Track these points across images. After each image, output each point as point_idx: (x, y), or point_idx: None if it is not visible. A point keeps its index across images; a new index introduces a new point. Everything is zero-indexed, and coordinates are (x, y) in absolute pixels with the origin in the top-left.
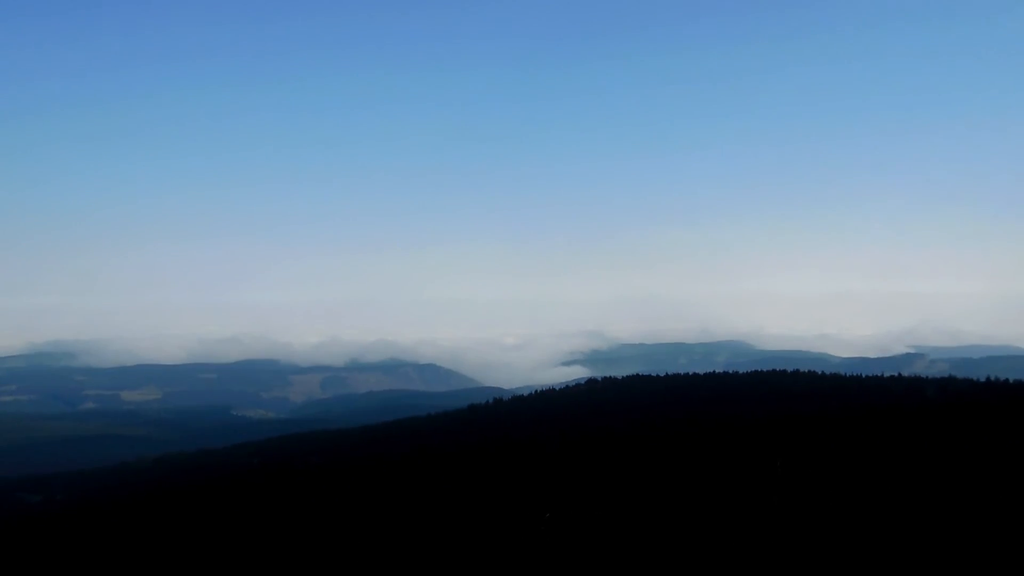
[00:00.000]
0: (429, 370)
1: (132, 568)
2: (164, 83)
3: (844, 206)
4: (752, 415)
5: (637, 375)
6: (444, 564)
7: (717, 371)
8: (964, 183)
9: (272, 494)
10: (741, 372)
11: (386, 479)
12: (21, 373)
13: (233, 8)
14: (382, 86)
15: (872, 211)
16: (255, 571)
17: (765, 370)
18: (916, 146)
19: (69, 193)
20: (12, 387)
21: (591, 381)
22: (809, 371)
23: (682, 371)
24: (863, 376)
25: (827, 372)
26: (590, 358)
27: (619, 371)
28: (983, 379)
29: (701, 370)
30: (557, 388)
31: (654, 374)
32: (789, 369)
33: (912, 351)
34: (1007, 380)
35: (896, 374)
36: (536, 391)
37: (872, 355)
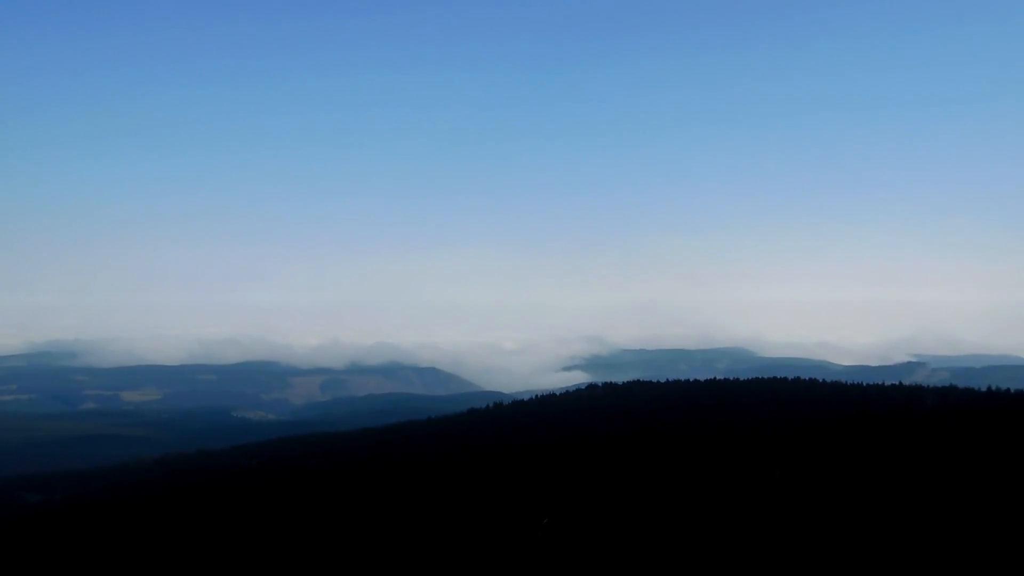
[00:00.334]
0: (429, 374)
1: (131, 568)
2: (165, 83)
3: (846, 214)
4: (752, 422)
5: (637, 381)
6: (443, 568)
7: (718, 377)
8: (967, 192)
9: (271, 496)
10: (742, 379)
11: (385, 482)
12: (21, 372)
13: (235, 8)
14: (383, 89)
15: (874, 219)
16: (254, 572)
17: (766, 377)
18: (919, 155)
19: (70, 192)
20: (12, 386)
21: (591, 386)
22: (810, 379)
23: (682, 377)
24: (864, 384)
25: (828, 380)
26: (590, 363)
27: (619, 377)
28: (984, 388)
29: (702, 376)
30: (557, 393)
31: (654, 380)
32: (790, 376)
33: (913, 360)
34: (1008, 390)
35: (897, 383)
36: (536, 396)
37: (873, 363)
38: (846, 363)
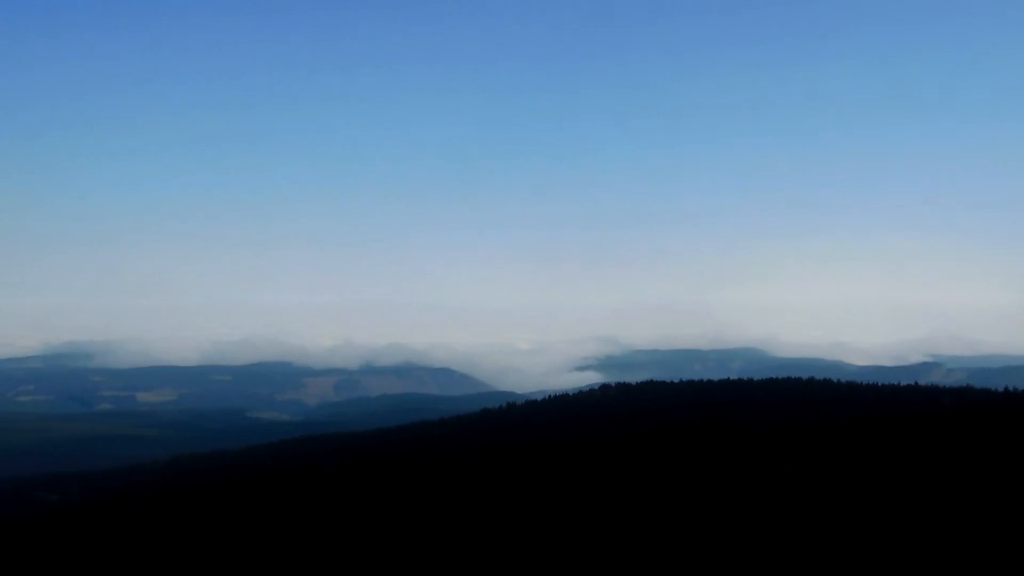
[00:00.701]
0: (443, 374)
1: (146, 567)
2: (181, 86)
3: (861, 213)
4: (766, 422)
5: (651, 381)
6: (457, 567)
7: (731, 378)
8: (982, 191)
9: (286, 496)
10: (756, 379)
11: (399, 482)
12: (38, 374)
13: (258, 11)
14: (398, 90)
15: (890, 218)
16: (269, 572)
17: (780, 377)
18: (935, 154)
19: (86, 195)
20: (30, 387)
21: (605, 387)
22: (824, 379)
23: (696, 377)
24: (879, 385)
25: (843, 380)
26: (604, 363)
27: (633, 377)
28: (1001, 389)
29: (715, 376)
30: (571, 393)
31: (668, 380)
32: (804, 377)
33: (929, 360)
34: None
35: (913, 383)
36: (550, 396)
37: (888, 364)
38: (861, 363)
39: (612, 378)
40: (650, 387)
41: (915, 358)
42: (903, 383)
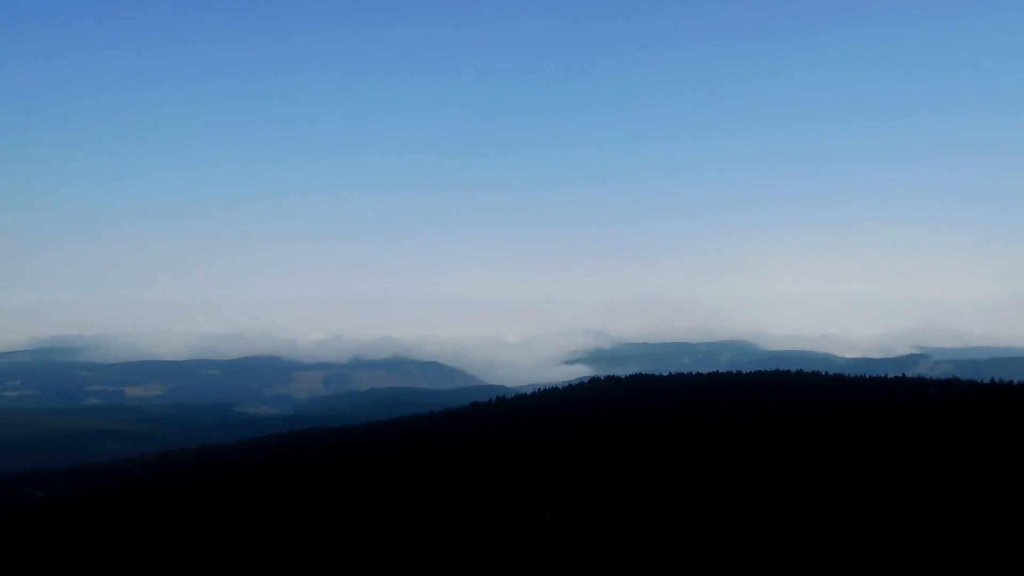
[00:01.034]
0: (432, 368)
1: (134, 563)
2: (168, 79)
3: (849, 206)
4: (756, 415)
5: (640, 374)
6: (446, 561)
7: (721, 371)
8: (970, 184)
9: (275, 491)
10: (745, 372)
11: (389, 476)
12: (25, 368)
13: (241, 6)
14: (386, 84)
15: (877, 211)
16: (258, 567)
17: (769, 370)
18: (923, 147)
19: (74, 189)
20: (16, 382)
21: (594, 380)
22: (813, 371)
23: (685, 370)
24: (867, 377)
25: (831, 372)
26: (593, 357)
27: (622, 370)
28: (987, 381)
29: (704, 370)
30: (560, 387)
31: (657, 373)
32: (793, 369)
33: (916, 352)
34: (1011, 382)
35: (900, 375)
36: (539, 389)
37: (876, 356)
38: (849, 356)
39: (601, 371)
40: (639, 380)
41: (903, 350)
42: (891, 375)
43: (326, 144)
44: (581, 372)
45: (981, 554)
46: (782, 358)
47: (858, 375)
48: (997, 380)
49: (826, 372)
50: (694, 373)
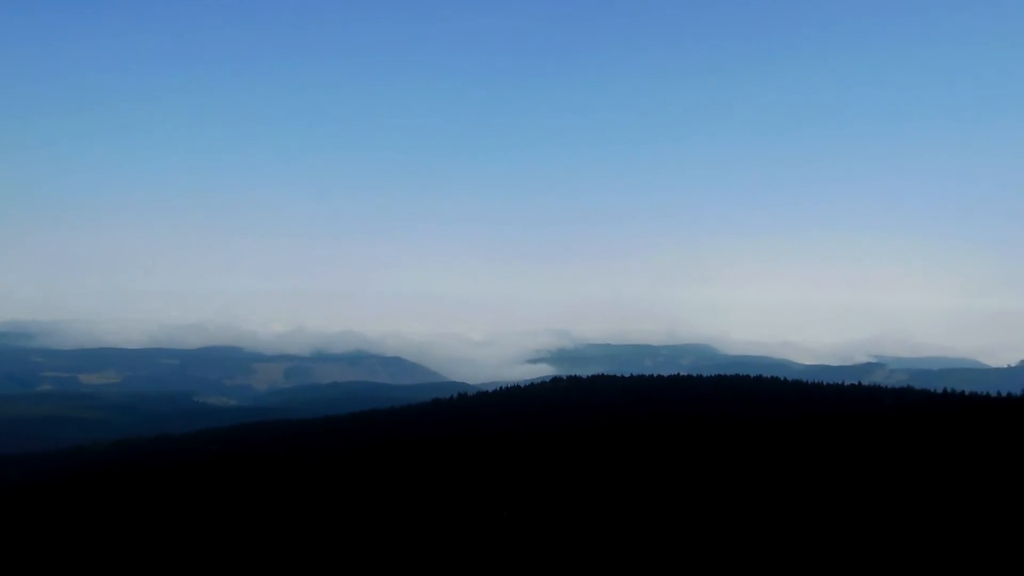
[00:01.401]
0: (395, 363)
1: (84, 550)
2: (137, 68)
3: (814, 217)
4: (715, 418)
5: (602, 375)
6: (403, 555)
7: (682, 374)
8: (930, 200)
9: (231, 482)
10: (705, 375)
11: (348, 470)
12: None
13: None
14: (356, 82)
15: (839, 222)
16: (211, 557)
17: (729, 374)
18: (886, 160)
19: (33, 173)
20: None
21: (556, 379)
22: (772, 377)
23: (647, 372)
24: (824, 383)
25: (789, 378)
26: (556, 356)
27: (584, 370)
28: (940, 390)
29: (666, 372)
30: (522, 385)
31: (619, 374)
32: (752, 374)
33: (873, 360)
34: (963, 392)
35: (856, 382)
36: (501, 387)
37: (834, 363)
38: (808, 362)
39: (564, 371)
40: (601, 381)
41: (860, 358)
42: (847, 383)
43: (293, 139)
44: (544, 371)
45: (934, 559)
46: (742, 363)
47: (816, 381)
48: (949, 390)
49: (785, 378)
50: (655, 375)
